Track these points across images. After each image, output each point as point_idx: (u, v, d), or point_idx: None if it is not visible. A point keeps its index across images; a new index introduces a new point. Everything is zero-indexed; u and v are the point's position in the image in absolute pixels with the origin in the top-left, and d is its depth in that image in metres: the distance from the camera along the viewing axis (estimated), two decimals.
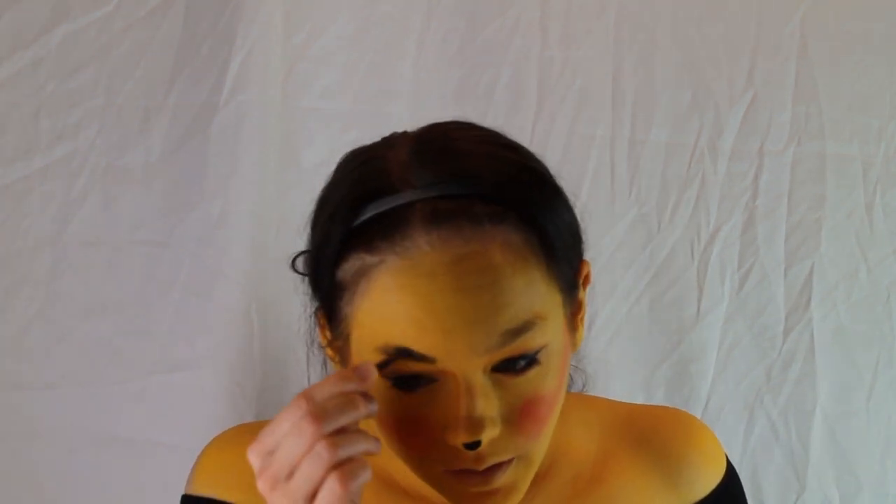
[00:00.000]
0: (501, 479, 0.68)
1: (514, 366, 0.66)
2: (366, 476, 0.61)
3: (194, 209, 1.07)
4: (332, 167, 1.10)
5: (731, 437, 1.18)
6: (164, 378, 1.07)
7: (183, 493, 0.79)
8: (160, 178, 1.07)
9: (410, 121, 1.10)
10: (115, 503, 1.07)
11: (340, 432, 0.61)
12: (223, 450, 0.79)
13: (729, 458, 0.87)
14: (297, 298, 1.11)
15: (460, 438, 0.65)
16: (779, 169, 1.18)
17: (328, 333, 0.72)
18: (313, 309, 0.74)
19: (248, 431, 0.80)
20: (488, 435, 0.65)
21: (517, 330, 0.65)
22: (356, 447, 0.61)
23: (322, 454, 0.59)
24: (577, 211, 0.72)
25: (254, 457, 0.62)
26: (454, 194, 0.65)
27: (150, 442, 1.06)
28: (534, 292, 0.66)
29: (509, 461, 0.68)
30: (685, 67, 1.17)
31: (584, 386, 0.87)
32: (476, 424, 0.65)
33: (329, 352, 0.74)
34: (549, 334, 0.67)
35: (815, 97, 1.18)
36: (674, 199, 1.17)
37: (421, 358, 0.64)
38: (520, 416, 0.67)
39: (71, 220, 1.06)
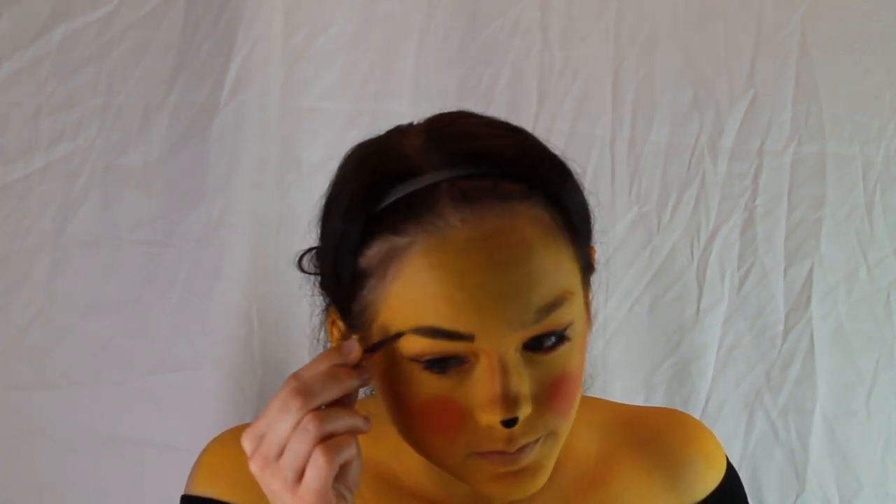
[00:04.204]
0: (530, 457, 0.68)
1: (543, 343, 0.66)
2: (351, 452, 0.62)
3: (194, 209, 1.07)
4: (333, 167, 1.10)
5: (731, 437, 1.18)
6: (164, 378, 1.07)
7: (183, 493, 0.79)
8: (160, 178, 1.07)
9: (410, 121, 1.10)
10: (116, 503, 1.07)
11: (329, 410, 0.62)
12: (223, 449, 0.79)
13: (729, 458, 0.87)
14: (297, 298, 1.11)
15: (497, 416, 0.64)
16: (779, 169, 1.18)
17: (342, 328, 0.71)
18: (323, 307, 0.74)
19: None
20: (524, 412, 0.65)
21: (550, 305, 0.65)
22: (342, 422, 0.62)
23: (308, 428, 0.61)
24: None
25: (246, 441, 0.63)
26: (478, 173, 0.66)
27: (150, 442, 1.06)
28: (562, 268, 0.66)
29: (537, 440, 0.68)
30: (685, 67, 1.17)
31: (583, 387, 0.87)
32: (512, 401, 0.64)
33: None
34: (574, 311, 0.67)
35: (815, 97, 1.18)
36: (674, 199, 1.17)
37: (456, 336, 0.64)
38: (550, 393, 0.67)
39: (71, 220, 1.06)
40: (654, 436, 0.84)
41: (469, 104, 1.12)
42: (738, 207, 1.18)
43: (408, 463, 0.77)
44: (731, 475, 0.86)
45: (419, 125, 0.72)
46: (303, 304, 1.10)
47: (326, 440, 0.61)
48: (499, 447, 0.67)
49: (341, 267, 0.68)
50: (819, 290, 1.19)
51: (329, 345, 0.75)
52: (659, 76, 1.16)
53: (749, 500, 0.89)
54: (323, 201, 0.72)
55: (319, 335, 0.77)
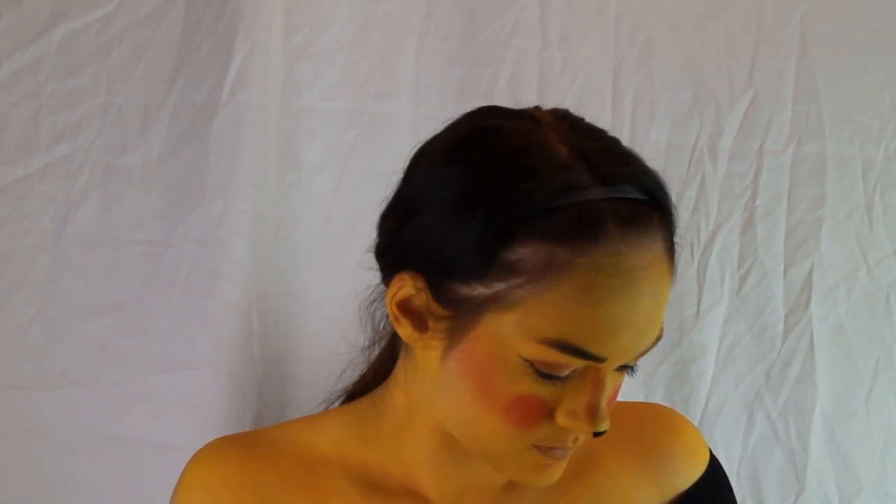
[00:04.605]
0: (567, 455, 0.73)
1: (626, 364, 0.71)
2: None
3: (194, 209, 1.07)
4: (333, 167, 1.10)
5: (731, 437, 1.18)
6: (164, 378, 1.07)
7: None
8: (160, 178, 1.07)
9: (410, 121, 1.11)
10: (115, 503, 1.07)
11: None
12: (203, 468, 0.79)
13: (728, 458, 0.87)
14: (297, 299, 1.11)
15: (593, 427, 0.69)
16: (779, 169, 1.18)
17: (427, 300, 0.71)
18: (390, 270, 0.74)
19: (228, 445, 0.81)
20: (608, 423, 0.70)
21: (657, 340, 0.70)
22: None
23: None
24: None
25: None
26: (634, 198, 0.68)
27: (150, 442, 1.06)
28: (666, 304, 0.70)
29: None
30: (685, 67, 1.17)
31: None
32: (604, 415, 0.69)
33: (399, 314, 0.73)
34: None
35: (815, 97, 1.18)
36: (674, 199, 1.17)
37: (594, 359, 0.67)
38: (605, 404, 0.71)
39: (71, 220, 1.06)
40: (635, 429, 0.86)
41: (469, 104, 1.11)
42: (738, 207, 1.18)
43: (400, 459, 0.78)
44: (715, 467, 0.87)
45: (555, 125, 0.72)
46: (303, 304, 1.10)
47: None
48: (562, 444, 0.71)
49: (477, 252, 0.68)
50: (819, 290, 1.19)
51: (385, 310, 0.76)
52: (659, 76, 1.16)
53: (746, 498, 0.89)
54: (447, 176, 0.70)
55: (374, 298, 0.80)
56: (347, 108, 1.11)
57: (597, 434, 0.69)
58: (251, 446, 0.80)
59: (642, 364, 1.16)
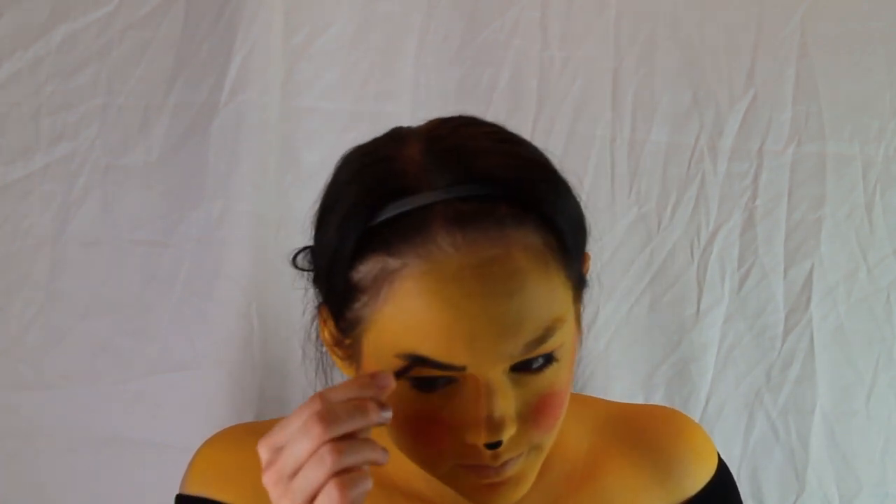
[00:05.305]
0: (513, 470, 0.68)
1: (531, 365, 0.66)
2: (366, 486, 0.60)
3: (194, 209, 1.07)
4: (332, 167, 1.10)
5: (731, 437, 1.18)
6: (164, 378, 1.07)
7: (177, 492, 0.79)
8: (160, 178, 1.07)
9: (410, 121, 1.11)
10: (115, 503, 1.07)
11: (348, 438, 0.60)
12: (218, 450, 0.79)
13: (721, 456, 0.87)
14: (297, 298, 1.11)
15: (482, 439, 0.65)
16: (779, 169, 1.18)
17: (333, 331, 0.71)
18: (315, 304, 0.73)
19: (244, 431, 0.80)
20: (508, 434, 0.65)
21: (540, 338, 0.65)
22: (361, 456, 0.60)
23: (325, 459, 0.59)
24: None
25: (263, 449, 0.62)
26: (474, 195, 0.64)
27: (150, 442, 1.06)
28: (554, 296, 0.66)
29: (520, 454, 0.68)
30: (685, 67, 1.17)
31: (584, 387, 0.87)
32: (497, 425, 0.65)
33: (329, 348, 0.73)
34: (564, 334, 0.67)
35: (815, 97, 1.18)
36: (674, 199, 1.17)
37: (448, 368, 0.64)
38: (535, 411, 0.67)
39: (71, 220, 1.06)
40: (644, 432, 0.84)
41: (469, 104, 1.12)
42: (738, 207, 1.18)
43: (398, 462, 0.78)
44: (723, 471, 0.86)
45: (419, 132, 0.71)
46: (301, 304, 1.10)
47: (342, 473, 0.59)
48: (483, 462, 0.67)
49: (335, 277, 0.67)
50: (819, 290, 1.19)
51: (321, 342, 0.75)
52: (659, 76, 1.16)
53: (748, 500, 0.89)
54: (318, 205, 0.71)
55: (311, 332, 0.77)
56: (347, 108, 1.11)
57: (490, 446, 0.65)
58: (262, 432, 0.80)
59: (642, 364, 1.18)
